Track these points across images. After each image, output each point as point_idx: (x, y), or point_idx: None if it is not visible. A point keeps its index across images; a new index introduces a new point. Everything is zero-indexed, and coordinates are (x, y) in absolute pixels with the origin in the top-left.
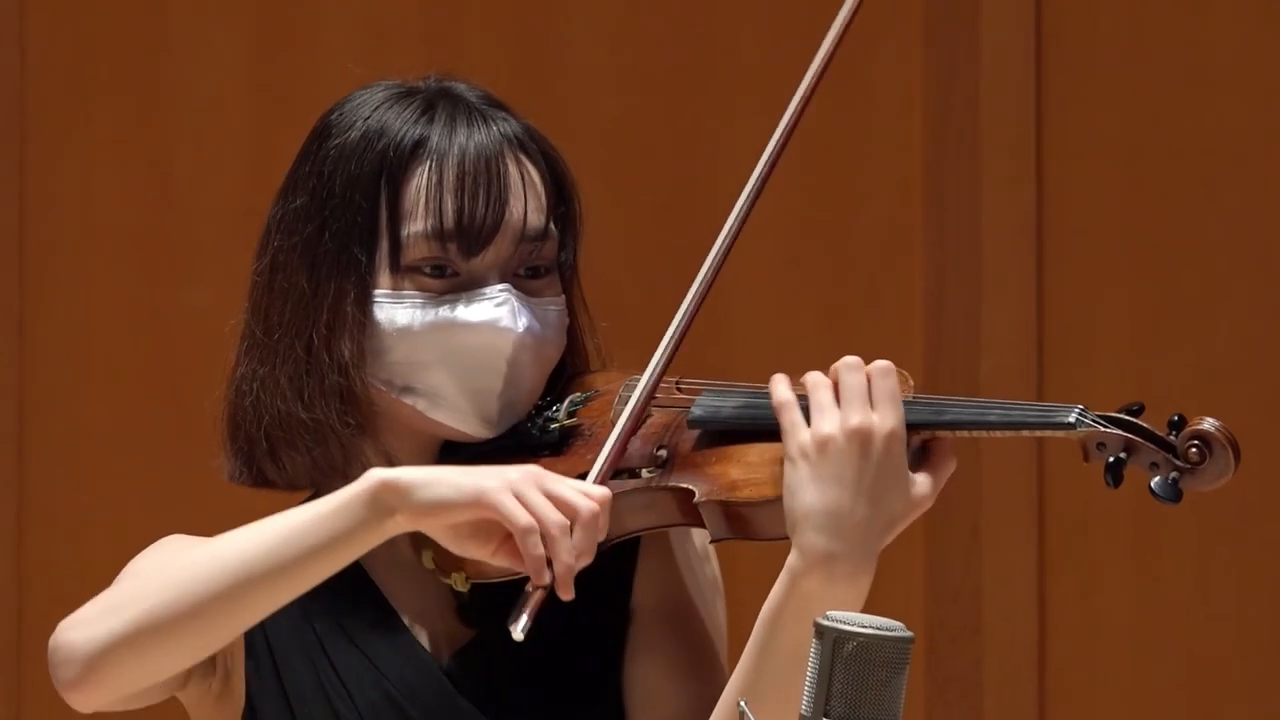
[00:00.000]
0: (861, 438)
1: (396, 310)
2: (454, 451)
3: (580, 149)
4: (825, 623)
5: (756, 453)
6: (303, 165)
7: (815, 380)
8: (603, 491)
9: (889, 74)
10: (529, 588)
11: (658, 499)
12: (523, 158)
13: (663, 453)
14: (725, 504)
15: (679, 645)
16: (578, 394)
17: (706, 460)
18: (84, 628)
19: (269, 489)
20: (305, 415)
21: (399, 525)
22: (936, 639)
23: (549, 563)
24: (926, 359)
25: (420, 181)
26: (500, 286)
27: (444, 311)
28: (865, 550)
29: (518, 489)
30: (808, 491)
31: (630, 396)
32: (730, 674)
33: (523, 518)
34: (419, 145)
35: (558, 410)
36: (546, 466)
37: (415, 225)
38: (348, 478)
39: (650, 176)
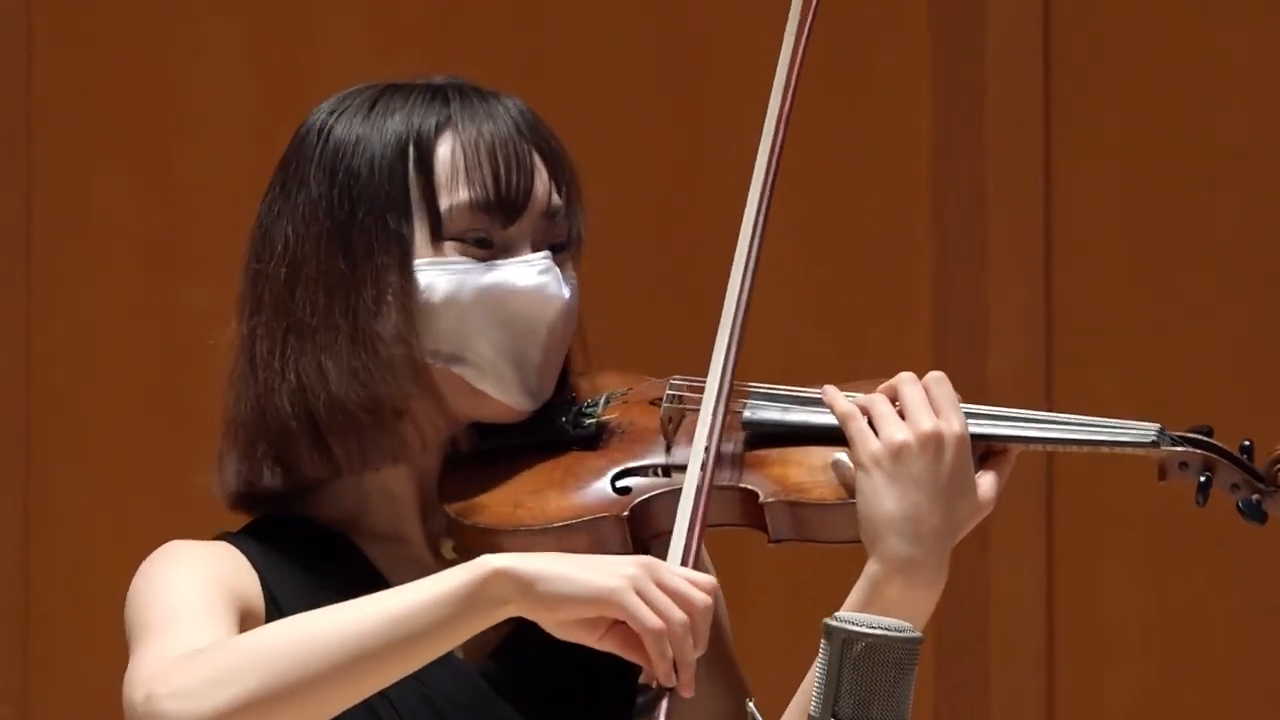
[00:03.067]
0: (934, 442)
1: (440, 278)
2: (487, 436)
3: (581, 148)
4: (833, 623)
5: (818, 455)
6: (304, 165)
7: (871, 396)
8: (710, 580)
9: (895, 74)
10: (645, 681)
11: (716, 499)
12: (535, 136)
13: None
14: (795, 505)
15: (710, 647)
16: (612, 390)
17: (763, 462)
18: (187, 700)
19: (275, 503)
20: (363, 393)
21: (509, 613)
22: (944, 644)
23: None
24: (934, 358)
25: (452, 155)
26: (542, 254)
27: (491, 276)
28: (941, 554)
29: (640, 586)
30: (885, 498)
31: (679, 396)
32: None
33: (653, 621)
34: (443, 122)
35: (593, 405)
36: (581, 460)
37: (457, 196)
38: (398, 458)
39: (652, 176)
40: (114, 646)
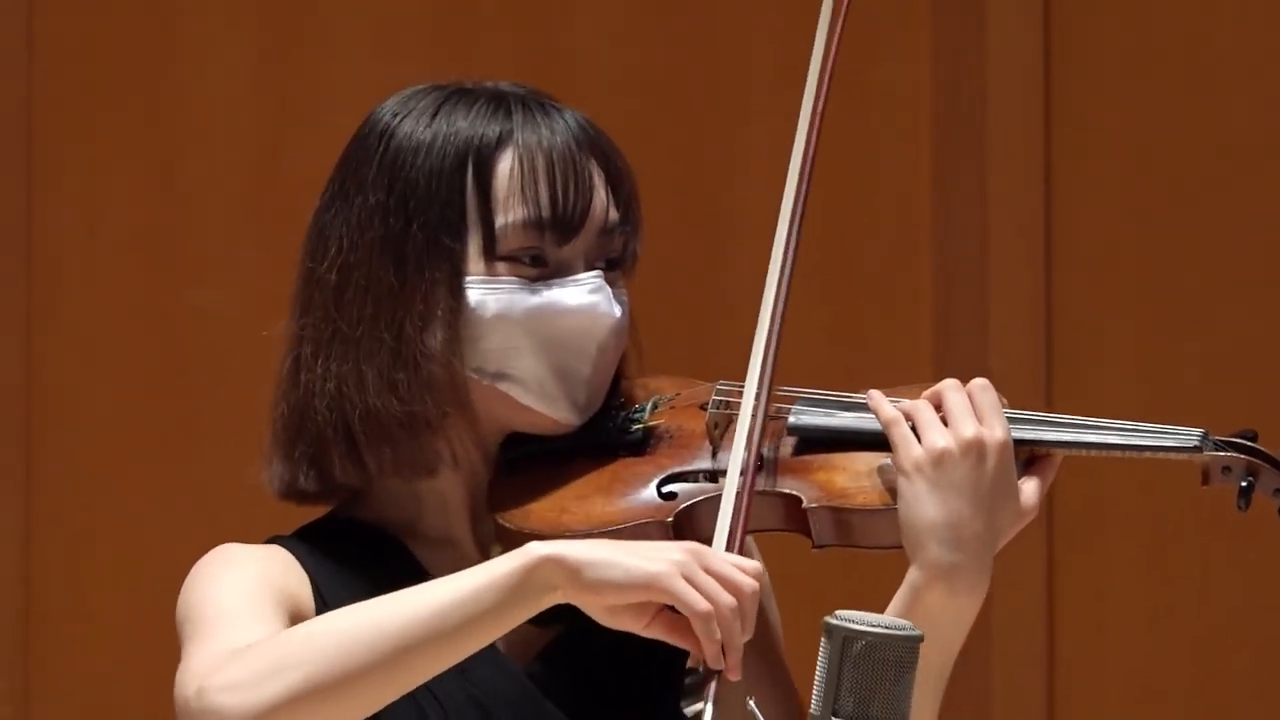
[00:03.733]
0: (976, 449)
1: (490, 297)
2: (522, 443)
3: None
4: (834, 622)
5: (863, 461)
6: (364, 167)
7: (915, 402)
8: (755, 565)
9: (896, 77)
10: (693, 664)
11: (759, 503)
12: (594, 151)
13: (757, 459)
14: (838, 510)
15: (753, 646)
16: (659, 395)
17: (807, 468)
18: (239, 693)
19: (319, 502)
20: (400, 408)
21: (557, 599)
22: None
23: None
24: (935, 360)
25: (511, 171)
26: (593, 273)
27: (541, 297)
28: (983, 561)
29: (686, 572)
30: (926, 505)
31: (725, 401)
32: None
33: (701, 605)
34: (504, 137)
35: (640, 410)
36: (628, 466)
37: (512, 215)
38: (433, 472)
39: (661, 177)
40: (114, 646)
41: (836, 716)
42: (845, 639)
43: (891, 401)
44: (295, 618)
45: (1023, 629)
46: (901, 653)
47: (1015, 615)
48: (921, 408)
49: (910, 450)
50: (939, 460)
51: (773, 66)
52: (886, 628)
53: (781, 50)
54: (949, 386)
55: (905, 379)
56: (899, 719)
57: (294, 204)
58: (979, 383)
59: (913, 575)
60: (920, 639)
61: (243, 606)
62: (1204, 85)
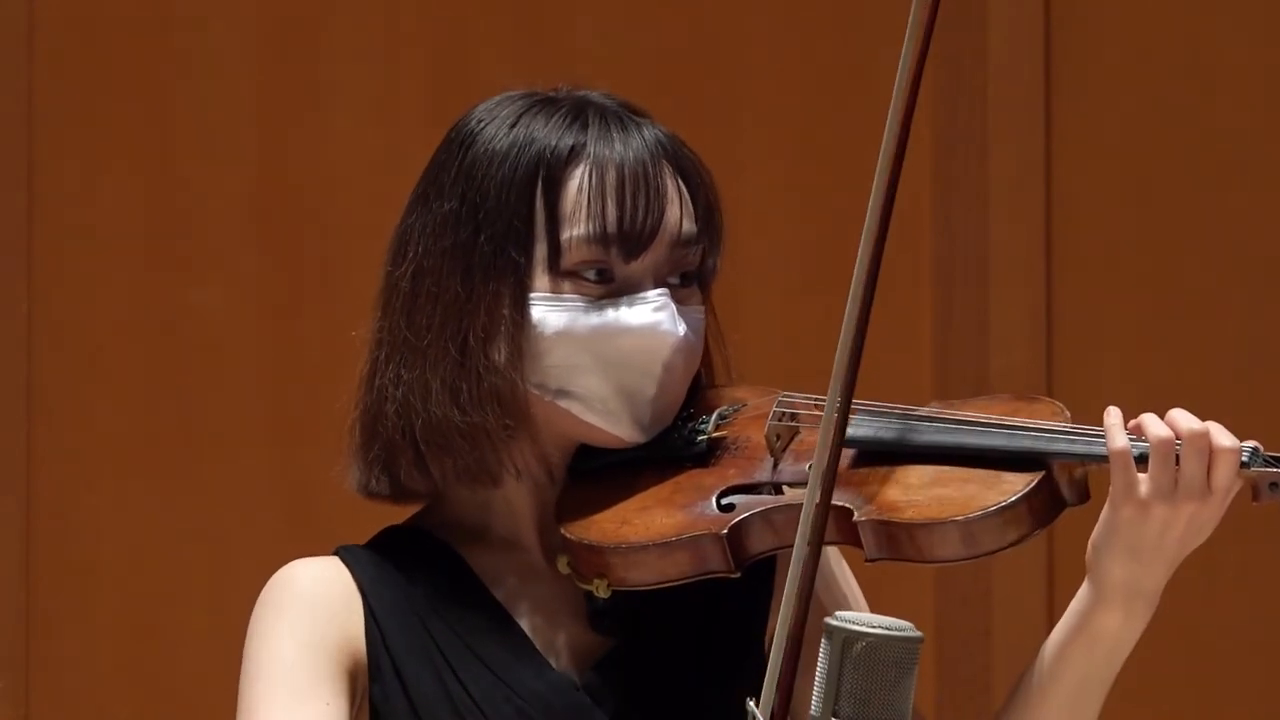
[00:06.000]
0: (1188, 517)
1: (552, 314)
2: (591, 457)
3: None
4: (834, 623)
5: (916, 475)
6: (444, 172)
7: (1160, 440)
8: None
9: (896, 75)
10: None
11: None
12: (673, 165)
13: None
14: (887, 524)
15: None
16: (725, 406)
17: (862, 480)
18: None
19: (395, 503)
20: (461, 419)
21: None
22: (946, 642)
23: None
24: (934, 359)
25: (580, 185)
26: (659, 291)
27: (604, 315)
28: (1163, 581)
29: None
30: (1123, 537)
31: (785, 413)
32: None
33: None
34: (576, 150)
35: (705, 422)
36: (691, 477)
37: (577, 229)
38: (497, 482)
39: None
40: (114, 646)
41: (836, 718)
42: (846, 640)
43: (1132, 441)
44: (351, 670)
45: (1023, 629)
46: (902, 654)
47: (1016, 615)
48: (1163, 456)
49: (1134, 492)
50: (1145, 511)
51: (770, 67)
52: (887, 629)
53: (778, 50)
54: (1195, 449)
55: (906, 380)
56: None
57: (294, 204)
58: (1228, 452)
59: (1088, 594)
60: (921, 640)
61: (294, 705)
62: (1205, 82)
